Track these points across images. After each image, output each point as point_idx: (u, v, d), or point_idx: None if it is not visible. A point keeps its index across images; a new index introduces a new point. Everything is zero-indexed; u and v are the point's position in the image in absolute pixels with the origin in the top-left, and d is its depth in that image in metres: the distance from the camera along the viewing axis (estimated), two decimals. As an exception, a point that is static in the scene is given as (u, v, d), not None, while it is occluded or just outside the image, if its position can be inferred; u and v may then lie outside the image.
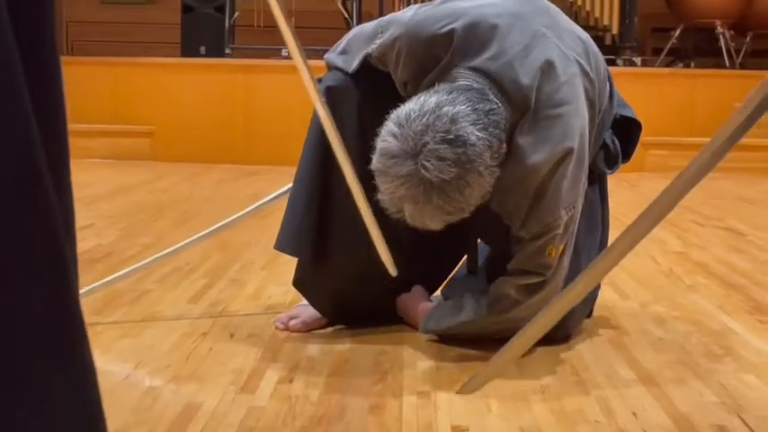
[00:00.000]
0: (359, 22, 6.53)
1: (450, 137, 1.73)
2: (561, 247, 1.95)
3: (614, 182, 2.07)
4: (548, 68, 1.87)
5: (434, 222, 1.79)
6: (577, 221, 1.99)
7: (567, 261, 1.99)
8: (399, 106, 1.83)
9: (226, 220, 2.37)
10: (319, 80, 2.17)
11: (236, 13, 6.70)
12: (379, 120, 1.83)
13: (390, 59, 2.00)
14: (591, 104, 1.95)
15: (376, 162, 1.78)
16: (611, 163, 2.11)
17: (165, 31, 7.60)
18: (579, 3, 6.56)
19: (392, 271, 1.95)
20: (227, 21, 6.57)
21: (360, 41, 2.09)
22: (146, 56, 6.60)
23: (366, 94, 2.07)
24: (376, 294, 2.17)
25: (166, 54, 6.96)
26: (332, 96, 2.01)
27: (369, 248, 2.00)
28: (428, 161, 1.71)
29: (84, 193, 4.40)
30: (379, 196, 1.79)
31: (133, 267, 2.41)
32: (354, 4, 6.56)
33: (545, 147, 1.86)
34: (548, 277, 1.96)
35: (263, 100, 5.98)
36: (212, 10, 6.67)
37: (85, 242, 3.14)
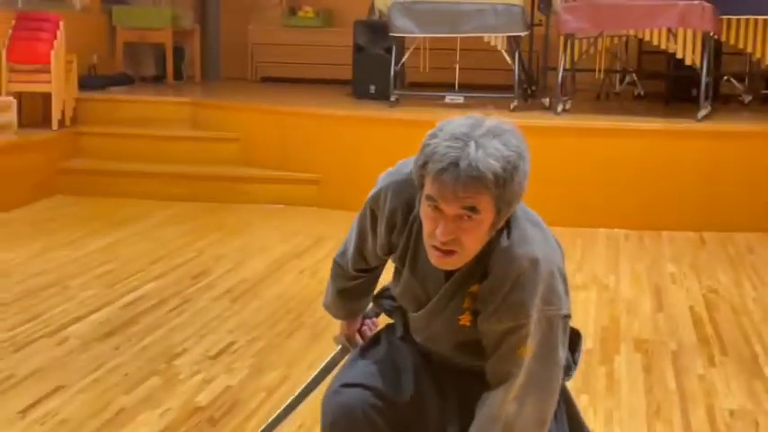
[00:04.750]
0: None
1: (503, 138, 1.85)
2: (532, 348, 1.99)
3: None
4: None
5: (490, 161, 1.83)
6: (559, 334, 2.04)
7: (542, 366, 2.01)
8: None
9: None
10: None
11: (406, 54, 6.75)
12: None
13: (380, 202, 2.15)
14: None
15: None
16: (566, 373, 2.17)
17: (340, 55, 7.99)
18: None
19: None
20: (392, 66, 6.53)
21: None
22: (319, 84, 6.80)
23: None
24: None
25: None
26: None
27: None
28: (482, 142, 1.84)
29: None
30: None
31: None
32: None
33: (529, 246, 1.98)
34: (518, 374, 1.99)
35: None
36: (382, 51, 6.86)
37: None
